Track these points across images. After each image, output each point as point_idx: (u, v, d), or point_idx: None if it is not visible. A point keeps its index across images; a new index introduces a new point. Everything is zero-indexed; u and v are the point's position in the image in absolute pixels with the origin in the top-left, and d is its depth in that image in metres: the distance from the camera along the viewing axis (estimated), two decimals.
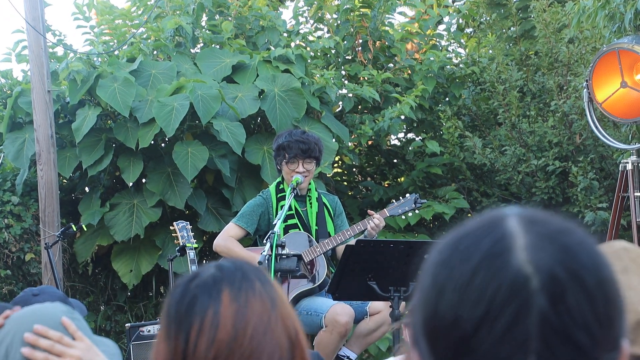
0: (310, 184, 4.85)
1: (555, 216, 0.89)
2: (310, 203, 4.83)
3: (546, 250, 0.84)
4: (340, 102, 7.24)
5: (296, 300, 4.69)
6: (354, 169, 7.87)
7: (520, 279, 0.82)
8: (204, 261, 6.96)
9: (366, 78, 7.21)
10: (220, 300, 1.38)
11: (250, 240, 5.26)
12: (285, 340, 1.39)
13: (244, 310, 1.37)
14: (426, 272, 0.88)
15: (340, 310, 4.51)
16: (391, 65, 7.64)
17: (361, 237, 4.62)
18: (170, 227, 4.84)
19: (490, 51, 7.31)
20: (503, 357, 0.81)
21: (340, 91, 7.13)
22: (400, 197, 4.95)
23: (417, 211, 5.04)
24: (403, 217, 4.96)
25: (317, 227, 4.80)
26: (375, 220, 4.65)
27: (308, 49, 7.30)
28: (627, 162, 4.77)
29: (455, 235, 0.88)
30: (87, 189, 7.04)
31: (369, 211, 4.82)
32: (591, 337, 0.82)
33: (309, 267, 4.70)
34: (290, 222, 4.76)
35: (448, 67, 7.46)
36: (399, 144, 7.97)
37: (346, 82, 7.26)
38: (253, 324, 1.37)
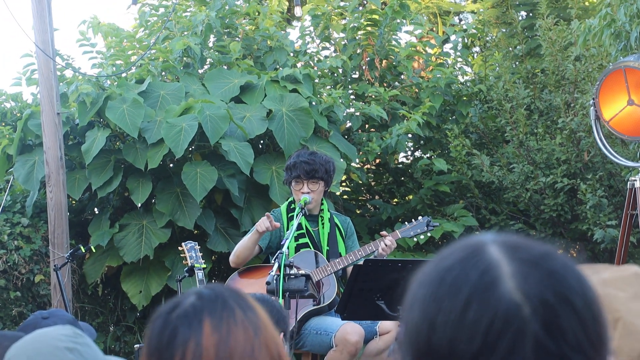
0: (322, 204, 4.86)
1: (533, 240, 0.90)
2: (323, 223, 4.85)
3: (533, 277, 0.84)
4: (348, 121, 7.27)
5: (305, 319, 4.69)
6: (362, 188, 7.88)
7: (513, 309, 0.82)
8: (213, 281, 6.97)
9: (373, 96, 7.23)
10: (202, 331, 1.35)
11: (260, 259, 5.27)
12: None
13: (227, 340, 1.35)
14: (413, 305, 0.88)
15: (350, 330, 4.51)
16: (398, 83, 7.67)
17: (371, 257, 4.62)
18: (179, 248, 4.86)
19: (497, 69, 7.33)
20: None
21: (347, 110, 7.15)
22: (413, 220, 4.96)
23: (428, 234, 5.06)
24: (415, 239, 4.97)
25: (328, 248, 4.81)
26: (387, 242, 4.66)
27: (315, 68, 7.34)
28: (635, 180, 4.76)
29: (438, 267, 0.88)
30: (96, 210, 7.06)
31: (381, 233, 4.83)
32: (584, 358, 0.83)
33: (317, 286, 4.70)
34: (301, 241, 4.78)
35: (455, 85, 7.48)
36: (406, 162, 7.98)
37: (354, 100, 7.29)
38: (236, 354, 1.34)
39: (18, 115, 7.21)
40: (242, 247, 4.75)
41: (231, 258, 4.85)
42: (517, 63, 7.70)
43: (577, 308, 0.84)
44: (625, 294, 1.31)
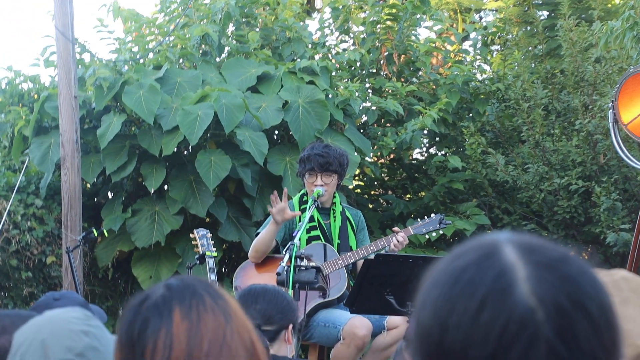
0: (335, 197, 4.86)
1: (549, 242, 0.89)
2: (334, 217, 4.84)
3: (548, 281, 0.84)
4: (364, 115, 7.25)
5: (314, 311, 4.69)
6: (376, 182, 7.87)
7: (527, 314, 0.82)
8: (224, 270, 6.99)
9: (390, 91, 7.21)
10: (172, 319, 1.35)
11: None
12: (243, 353, 1.37)
13: (197, 327, 1.35)
14: (425, 304, 0.88)
15: (358, 324, 4.51)
16: (415, 79, 7.65)
17: (382, 252, 4.62)
18: (191, 235, 4.87)
19: (516, 68, 7.30)
20: None
21: (364, 104, 7.14)
22: (425, 217, 4.94)
23: (441, 231, 5.04)
24: (427, 236, 4.96)
25: (339, 241, 4.81)
26: (399, 238, 4.65)
27: (333, 60, 7.32)
28: None
29: (452, 267, 0.88)
30: (109, 194, 7.09)
31: (394, 229, 4.82)
32: None
33: (327, 279, 4.70)
34: (313, 233, 4.77)
35: (472, 83, 7.45)
36: (421, 158, 7.96)
37: (370, 94, 7.27)
38: (208, 340, 1.35)
39: (35, 97, 7.25)
40: (261, 241, 4.71)
41: (250, 254, 4.80)
42: (536, 63, 7.66)
43: (591, 314, 0.83)
44: (615, 299, 1.31)
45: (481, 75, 7.82)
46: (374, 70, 7.63)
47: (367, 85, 7.47)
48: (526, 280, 0.83)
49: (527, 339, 0.81)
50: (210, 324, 1.36)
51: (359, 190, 7.72)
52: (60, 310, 1.70)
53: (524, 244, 0.87)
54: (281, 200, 4.54)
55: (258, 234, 4.82)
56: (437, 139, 7.67)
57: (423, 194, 7.56)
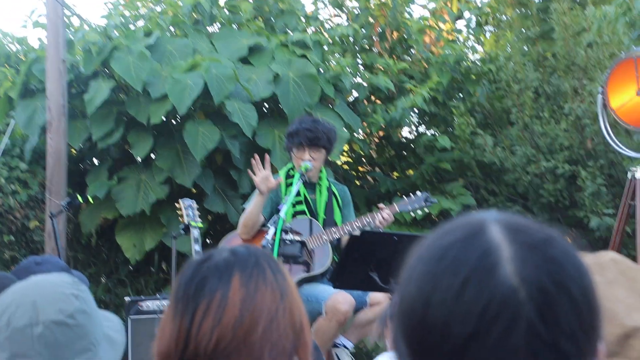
0: (321, 172, 4.85)
1: (535, 223, 0.89)
2: (321, 192, 4.84)
3: (532, 262, 0.84)
4: (354, 91, 7.23)
5: (297, 286, 4.68)
6: (364, 159, 7.87)
7: (510, 293, 0.83)
8: (208, 242, 6.98)
9: (382, 67, 7.19)
10: (230, 284, 1.37)
11: None
12: (291, 332, 1.38)
13: (253, 297, 1.37)
14: (409, 280, 0.88)
15: (341, 299, 4.52)
16: (407, 57, 7.62)
17: (367, 229, 4.62)
18: (176, 205, 4.85)
19: (508, 50, 7.28)
20: None
21: (355, 79, 7.11)
22: (411, 194, 4.93)
23: (426, 210, 5.04)
24: (412, 214, 4.96)
25: (324, 216, 4.81)
26: (385, 215, 4.65)
27: (326, 35, 7.28)
28: (636, 170, 4.75)
29: (438, 244, 0.88)
30: (95, 161, 7.05)
31: (379, 205, 4.82)
32: (576, 346, 0.83)
33: (311, 254, 4.71)
34: (298, 208, 4.77)
35: (464, 62, 7.44)
36: (410, 136, 7.96)
37: (361, 70, 7.25)
38: (260, 312, 1.36)
39: (23, 58, 7.17)
40: (249, 216, 4.68)
41: (240, 230, 4.76)
42: (529, 45, 7.64)
43: (573, 295, 0.84)
44: (602, 280, 1.32)
45: (473, 56, 7.80)
46: (367, 47, 7.60)
47: (359, 61, 7.44)
48: (510, 260, 0.84)
49: (508, 317, 0.82)
50: (266, 297, 1.37)
51: (346, 167, 7.71)
52: (49, 274, 1.71)
53: (510, 224, 0.88)
54: (264, 167, 4.51)
55: (244, 209, 4.81)
56: (427, 117, 7.67)
57: (411, 172, 7.57)
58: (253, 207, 4.66)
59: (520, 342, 0.82)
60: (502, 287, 0.83)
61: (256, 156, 4.54)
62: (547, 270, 0.84)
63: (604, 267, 1.38)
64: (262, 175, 4.50)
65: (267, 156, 4.64)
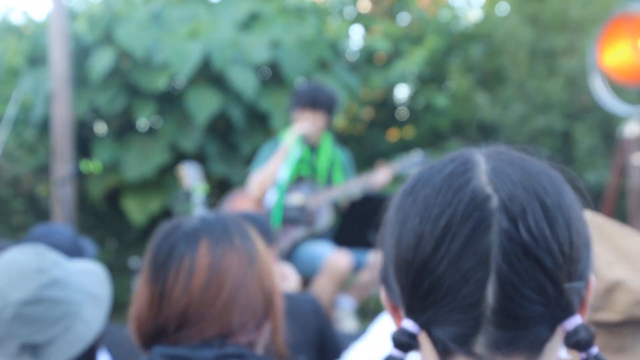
0: (323, 136, 4.91)
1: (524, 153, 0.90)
2: (322, 155, 4.90)
3: (506, 173, 0.85)
4: (352, 54, 7.29)
5: (297, 244, 4.78)
6: (361, 120, 7.95)
7: (480, 197, 0.83)
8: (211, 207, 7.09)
9: (379, 30, 7.24)
10: (198, 249, 1.43)
11: None
12: (260, 298, 1.43)
13: (219, 262, 1.42)
14: (392, 204, 0.90)
15: (340, 258, 4.60)
16: (404, 18, 7.66)
17: (366, 188, 4.71)
18: (179, 168, 4.93)
19: (505, 9, 7.32)
20: (463, 274, 0.81)
21: (352, 43, 7.17)
22: (408, 154, 5.00)
23: None
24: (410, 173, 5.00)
25: (326, 179, 4.88)
26: (382, 174, 4.73)
27: None
28: (629, 127, 4.82)
29: (422, 168, 0.90)
30: (100, 128, 7.15)
31: (377, 164, 4.89)
32: (553, 258, 0.82)
33: (312, 214, 4.80)
34: (300, 170, 4.83)
35: (461, 22, 7.48)
36: (407, 97, 8.04)
37: (360, 32, 7.30)
38: (227, 277, 1.41)
39: (27, 29, 7.24)
40: (267, 175, 4.60)
41: (253, 190, 4.67)
42: (524, 3, 7.67)
43: (547, 206, 0.83)
44: None
45: (470, 16, 7.84)
46: (364, 10, 7.64)
47: (357, 25, 7.49)
48: (485, 172, 0.84)
49: (476, 220, 0.82)
50: (233, 263, 1.43)
51: (344, 128, 7.80)
52: (13, 253, 1.71)
53: (494, 149, 0.89)
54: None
55: (247, 173, 4.81)
56: (424, 78, 7.74)
57: (408, 132, 7.66)
58: (273, 165, 4.61)
59: (492, 247, 0.80)
60: (472, 191, 0.83)
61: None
62: (520, 180, 0.83)
63: None
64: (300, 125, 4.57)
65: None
